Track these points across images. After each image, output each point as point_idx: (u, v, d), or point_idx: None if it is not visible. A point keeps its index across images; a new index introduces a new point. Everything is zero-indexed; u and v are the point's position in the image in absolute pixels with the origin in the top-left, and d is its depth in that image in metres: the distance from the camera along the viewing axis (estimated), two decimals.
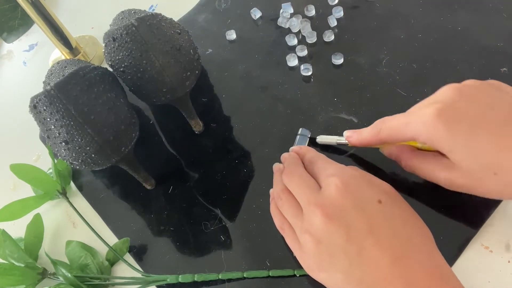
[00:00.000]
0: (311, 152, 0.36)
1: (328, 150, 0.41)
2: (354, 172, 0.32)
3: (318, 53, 0.48)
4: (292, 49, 0.49)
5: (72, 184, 0.48)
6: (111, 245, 0.41)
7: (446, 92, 0.30)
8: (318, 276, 0.30)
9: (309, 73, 0.46)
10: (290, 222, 0.33)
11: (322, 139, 0.41)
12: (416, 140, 0.31)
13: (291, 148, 0.39)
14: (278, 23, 0.52)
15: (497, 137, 0.27)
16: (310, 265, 0.31)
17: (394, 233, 0.28)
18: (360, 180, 0.31)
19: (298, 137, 0.42)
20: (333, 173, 0.31)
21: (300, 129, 0.42)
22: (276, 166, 0.39)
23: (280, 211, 0.35)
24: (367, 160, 0.39)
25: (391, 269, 0.27)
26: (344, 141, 0.38)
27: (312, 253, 0.30)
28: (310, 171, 0.34)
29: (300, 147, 0.38)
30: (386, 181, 0.32)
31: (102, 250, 0.41)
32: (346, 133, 0.37)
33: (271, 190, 0.38)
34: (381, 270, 0.27)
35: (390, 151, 0.35)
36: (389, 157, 0.36)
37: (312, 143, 0.42)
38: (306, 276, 0.35)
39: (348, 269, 0.28)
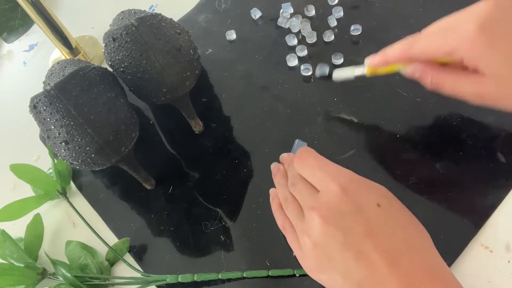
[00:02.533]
0: (306, 152, 0.36)
1: (328, 151, 0.41)
2: (352, 175, 0.31)
3: (318, 53, 0.48)
4: (292, 49, 0.49)
5: (72, 184, 0.48)
6: (111, 245, 0.41)
7: (483, 6, 0.30)
8: (318, 277, 0.30)
9: (309, 73, 0.46)
10: (293, 223, 0.33)
11: (338, 75, 0.41)
12: (452, 55, 0.31)
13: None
14: (278, 23, 0.52)
15: None
16: (310, 266, 0.31)
17: (392, 236, 0.28)
18: (358, 183, 0.31)
19: (296, 141, 0.41)
20: (330, 176, 0.31)
21: (296, 140, 0.41)
22: (275, 167, 0.38)
23: (284, 211, 0.35)
24: (366, 161, 0.39)
25: (390, 272, 0.26)
26: (361, 72, 0.39)
27: (311, 256, 0.30)
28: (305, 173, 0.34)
29: (300, 149, 0.37)
30: (386, 182, 0.31)
31: (102, 250, 0.41)
32: (368, 59, 0.38)
33: (270, 190, 0.38)
34: (380, 273, 0.27)
35: (414, 69, 0.35)
36: (411, 75, 0.35)
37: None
38: (306, 276, 0.35)
39: (346, 272, 0.28)
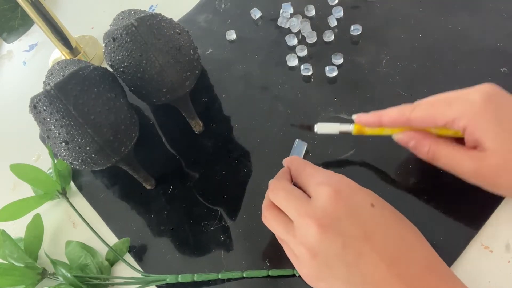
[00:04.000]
0: (297, 160, 0.35)
1: (328, 151, 0.41)
2: (343, 178, 0.31)
3: (318, 53, 0.48)
4: (292, 49, 0.49)
5: (72, 184, 0.48)
6: (111, 245, 0.41)
7: (487, 85, 0.30)
8: (317, 286, 0.30)
9: (309, 73, 0.46)
10: (282, 238, 0.32)
11: (321, 128, 0.38)
12: (453, 124, 0.30)
13: (284, 160, 0.38)
14: (278, 23, 0.52)
15: None
16: (309, 276, 0.30)
17: (388, 235, 0.28)
18: (350, 185, 0.31)
19: (296, 141, 0.41)
20: (323, 181, 0.30)
21: (296, 140, 0.41)
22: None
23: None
24: (366, 161, 0.39)
25: (390, 271, 0.27)
26: (347, 129, 0.36)
27: (309, 265, 0.29)
28: (298, 180, 0.34)
29: (291, 158, 0.37)
30: (386, 182, 0.31)
31: (102, 250, 0.41)
32: (358, 116, 0.35)
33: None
34: (380, 274, 0.27)
35: (409, 136, 0.33)
36: (404, 143, 0.34)
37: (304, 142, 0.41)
38: None
39: (347, 277, 0.28)
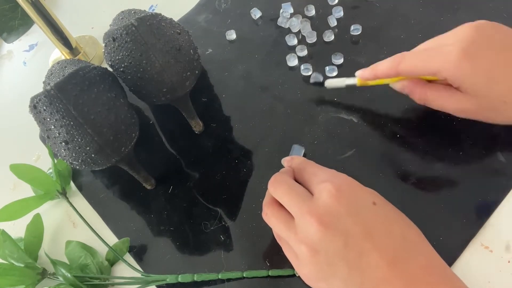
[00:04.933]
0: (299, 159, 0.36)
1: (328, 151, 0.41)
2: (346, 177, 0.31)
3: (318, 53, 0.48)
4: (292, 49, 0.49)
5: (72, 184, 0.48)
6: (111, 245, 0.41)
7: (466, 31, 0.32)
8: (317, 285, 0.30)
9: (309, 73, 0.46)
10: (282, 236, 0.32)
11: (330, 83, 0.42)
12: (436, 75, 0.33)
13: (283, 159, 0.38)
14: (278, 23, 0.52)
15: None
16: (309, 275, 0.30)
17: (390, 233, 0.28)
18: (352, 184, 0.31)
19: (294, 146, 0.41)
20: (325, 179, 0.31)
21: (293, 146, 0.41)
22: None
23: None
24: (366, 161, 0.39)
25: (390, 270, 0.27)
26: (352, 82, 0.40)
27: (309, 264, 0.29)
28: (300, 178, 0.34)
29: (292, 157, 0.37)
30: (386, 182, 0.31)
31: (102, 250, 0.41)
32: (358, 72, 0.39)
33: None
34: (381, 272, 0.27)
35: (403, 85, 0.37)
36: (400, 91, 0.38)
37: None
38: None
39: (347, 276, 0.28)
